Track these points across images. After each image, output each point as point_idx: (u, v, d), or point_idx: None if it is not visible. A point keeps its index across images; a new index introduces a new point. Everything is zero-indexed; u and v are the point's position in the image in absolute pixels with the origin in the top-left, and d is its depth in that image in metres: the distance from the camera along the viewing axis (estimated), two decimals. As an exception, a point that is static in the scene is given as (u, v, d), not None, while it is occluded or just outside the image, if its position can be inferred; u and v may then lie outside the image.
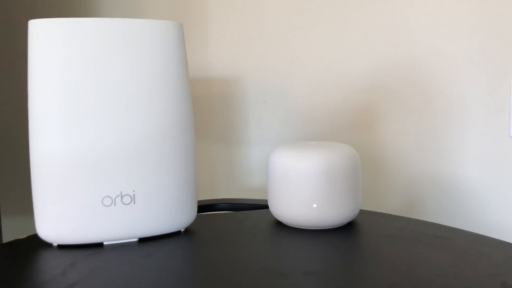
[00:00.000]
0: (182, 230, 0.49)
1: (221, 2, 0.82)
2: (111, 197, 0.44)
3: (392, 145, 0.76)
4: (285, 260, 0.40)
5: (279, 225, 0.50)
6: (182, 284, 0.36)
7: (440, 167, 0.73)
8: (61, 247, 0.45)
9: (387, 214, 0.55)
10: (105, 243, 0.45)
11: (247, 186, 0.84)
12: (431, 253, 0.41)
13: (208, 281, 0.37)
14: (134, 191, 0.45)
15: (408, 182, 0.75)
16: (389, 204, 0.77)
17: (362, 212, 0.55)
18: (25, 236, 0.49)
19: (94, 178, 0.44)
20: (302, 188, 0.47)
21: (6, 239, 0.57)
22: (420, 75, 0.73)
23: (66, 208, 0.44)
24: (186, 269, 0.40)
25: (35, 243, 0.46)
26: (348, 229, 0.49)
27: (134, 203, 0.45)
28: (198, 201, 0.51)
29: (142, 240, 0.46)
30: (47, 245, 0.46)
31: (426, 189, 0.74)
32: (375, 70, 0.75)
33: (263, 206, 0.59)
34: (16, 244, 0.47)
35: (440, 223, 0.51)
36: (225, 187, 0.85)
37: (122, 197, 0.45)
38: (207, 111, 0.84)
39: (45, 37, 0.43)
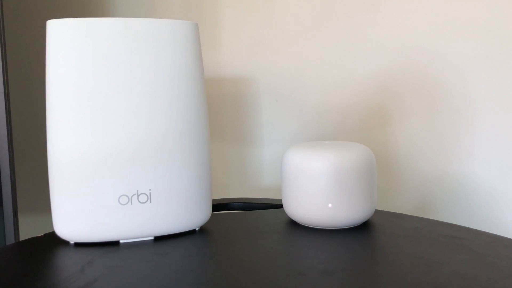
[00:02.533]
0: (197, 229, 0.49)
1: (233, 2, 0.82)
2: (127, 196, 0.45)
3: (403, 145, 0.75)
4: (302, 260, 0.40)
5: (294, 225, 0.50)
6: (200, 282, 0.36)
7: (451, 167, 0.72)
8: (78, 245, 0.45)
9: (402, 214, 0.54)
10: (121, 241, 0.46)
11: (259, 185, 0.84)
12: (449, 254, 0.41)
13: (226, 280, 0.37)
14: (150, 190, 0.45)
15: (418, 182, 0.75)
16: (399, 204, 0.76)
17: (376, 212, 0.55)
18: (42, 234, 0.49)
19: (111, 177, 0.44)
20: (318, 188, 0.47)
21: (22, 237, 0.58)
22: (430, 75, 0.72)
23: (83, 206, 0.44)
24: (203, 268, 0.40)
25: (52, 241, 0.46)
26: (363, 229, 0.48)
27: (150, 201, 0.45)
28: (212, 200, 0.51)
29: (158, 239, 0.47)
30: (64, 243, 0.46)
31: (437, 189, 0.73)
32: (386, 71, 0.75)
33: (276, 205, 0.59)
34: (34, 241, 0.47)
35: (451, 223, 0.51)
36: (237, 186, 0.85)
37: (138, 195, 0.45)
38: (219, 111, 0.84)
39: (63, 37, 0.44)
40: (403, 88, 0.74)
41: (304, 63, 0.80)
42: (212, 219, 0.51)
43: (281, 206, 0.59)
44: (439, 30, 0.71)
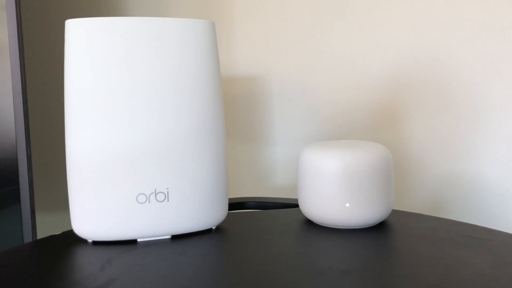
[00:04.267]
0: (213, 228, 0.49)
1: (245, 1, 0.82)
2: (145, 195, 0.45)
3: (416, 144, 0.75)
4: (320, 259, 0.40)
5: (310, 224, 0.50)
6: (219, 281, 0.37)
7: (463, 167, 0.71)
8: (96, 243, 0.46)
9: (419, 214, 0.54)
10: (138, 240, 0.46)
11: (271, 185, 0.84)
12: (469, 254, 0.40)
13: (246, 279, 0.37)
14: (168, 188, 0.45)
15: (431, 182, 0.74)
16: (413, 203, 0.76)
17: (393, 211, 0.54)
18: (60, 232, 0.50)
19: (129, 176, 0.44)
20: (336, 188, 0.47)
21: (39, 235, 0.58)
22: (444, 73, 0.72)
23: (102, 205, 0.44)
24: (221, 266, 0.40)
25: (70, 239, 0.47)
26: (380, 229, 0.48)
27: (168, 200, 0.45)
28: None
29: (175, 238, 0.47)
30: (82, 241, 0.46)
31: (451, 188, 0.73)
32: (399, 69, 0.74)
33: (291, 205, 0.59)
34: (52, 240, 0.48)
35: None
36: (249, 185, 0.85)
37: (156, 194, 0.45)
38: (232, 110, 0.84)
39: (82, 36, 0.44)
40: (415, 87, 0.74)
41: (316, 62, 0.79)
42: (228, 218, 0.51)
43: (295, 206, 0.59)
44: (452, 29, 0.70)
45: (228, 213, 0.52)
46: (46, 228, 0.63)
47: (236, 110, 0.84)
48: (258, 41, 0.82)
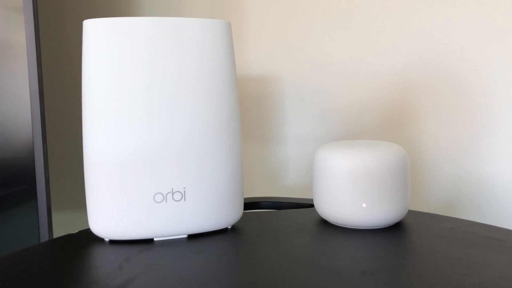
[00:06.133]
0: (229, 227, 0.49)
1: (258, 1, 0.82)
2: (162, 194, 0.45)
3: (429, 144, 0.74)
4: (338, 259, 0.40)
5: (326, 224, 0.50)
6: (239, 281, 0.36)
7: (479, 166, 0.71)
8: (113, 242, 0.46)
9: (435, 214, 0.53)
10: (155, 239, 0.46)
11: (284, 184, 0.84)
12: (490, 255, 0.40)
13: (265, 279, 0.36)
14: (184, 188, 0.45)
15: (445, 182, 0.73)
16: (426, 204, 0.75)
17: (408, 212, 0.54)
18: (76, 231, 0.50)
19: (146, 175, 0.44)
20: (352, 188, 0.47)
21: (55, 234, 0.59)
22: (458, 73, 0.71)
23: (119, 204, 0.44)
24: (240, 266, 0.40)
25: (87, 238, 0.47)
26: (396, 229, 0.48)
27: (185, 200, 0.45)
28: (241, 199, 0.51)
29: (191, 237, 0.47)
30: (98, 240, 0.46)
31: (464, 189, 0.72)
32: (412, 69, 0.74)
33: (306, 205, 0.59)
34: (69, 238, 0.48)
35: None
36: (261, 185, 0.85)
37: (173, 194, 0.45)
38: (244, 110, 0.84)
39: (99, 36, 0.44)
40: (428, 87, 0.73)
41: (329, 62, 0.79)
42: (243, 218, 0.51)
43: (310, 206, 0.58)
44: (465, 30, 0.70)
45: (243, 213, 0.52)
46: (61, 227, 0.63)
47: (248, 110, 0.84)
48: (270, 41, 0.82)
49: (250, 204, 0.60)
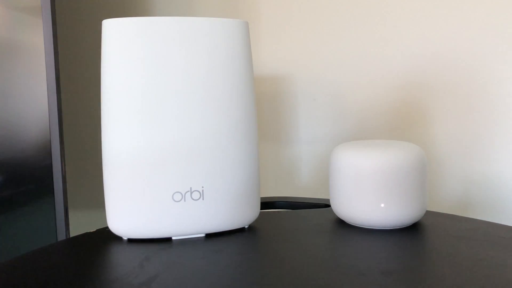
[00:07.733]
0: (246, 227, 0.49)
1: (272, 0, 0.82)
2: (181, 193, 0.45)
3: (444, 144, 0.74)
4: (359, 259, 0.40)
5: (343, 224, 0.50)
6: (259, 280, 0.36)
7: (493, 167, 0.70)
8: (131, 241, 0.46)
9: (453, 215, 0.53)
10: (173, 238, 0.46)
11: (296, 184, 0.84)
12: (512, 256, 0.39)
13: (286, 279, 0.36)
14: (203, 187, 0.45)
15: (460, 182, 0.73)
16: (441, 203, 0.74)
17: (426, 212, 0.53)
18: (94, 230, 0.50)
19: (165, 174, 0.45)
20: (371, 188, 0.46)
21: (72, 233, 0.59)
22: (475, 74, 0.70)
23: (138, 203, 0.45)
24: (260, 265, 0.40)
25: (105, 237, 0.47)
26: (414, 229, 0.48)
27: (203, 199, 0.46)
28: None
29: (208, 236, 0.47)
30: (117, 239, 0.47)
31: (479, 189, 0.72)
32: (426, 70, 0.73)
33: (321, 205, 0.59)
34: (87, 237, 0.48)
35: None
36: (274, 185, 0.84)
37: (191, 193, 0.45)
38: (257, 109, 0.84)
39: (118, 36, 0.44)
40: (443, 87, 0.73)
41: (341, 61, 0.79)
42: (259, 218, 0.51)
43: (326, 206, 0.58)
44: (477, 30, 0.69)
45: (260, 212, 0.52)
46: (78, 225, 0.64)
47: (262, 109, 0.84)
48: (284, 41, 0.82)
49: (265, 204, 0.60)
